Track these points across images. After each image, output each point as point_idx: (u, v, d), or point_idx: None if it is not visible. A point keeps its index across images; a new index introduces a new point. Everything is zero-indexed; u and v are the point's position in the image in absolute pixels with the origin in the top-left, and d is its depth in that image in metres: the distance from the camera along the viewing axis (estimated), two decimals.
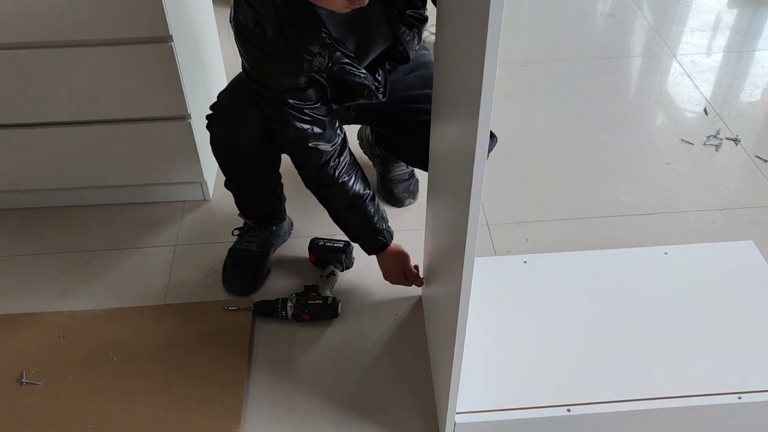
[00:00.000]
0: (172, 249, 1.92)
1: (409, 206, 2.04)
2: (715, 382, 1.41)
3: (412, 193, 2.05)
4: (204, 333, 1.68)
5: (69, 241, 1.94)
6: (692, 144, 2.26)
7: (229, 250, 1.82)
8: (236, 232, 1.84)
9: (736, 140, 2.24)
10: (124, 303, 1.76)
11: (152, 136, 1.86)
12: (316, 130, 1.44)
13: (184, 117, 1.82)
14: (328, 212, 1.60)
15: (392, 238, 1.64)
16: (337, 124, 1.48)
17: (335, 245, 1.81)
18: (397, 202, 2.03)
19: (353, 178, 1.52)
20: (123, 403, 1.53)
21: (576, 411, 1.37)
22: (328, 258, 1.80)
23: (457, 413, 1.33)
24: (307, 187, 1.56)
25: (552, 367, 1.45)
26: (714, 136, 2.26)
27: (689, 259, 1.68)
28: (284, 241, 1.91)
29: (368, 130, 2.05)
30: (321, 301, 1.69)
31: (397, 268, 1.68)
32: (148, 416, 1.50)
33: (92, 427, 1.48)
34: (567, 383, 1.42)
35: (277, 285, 1.81)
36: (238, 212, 1.81)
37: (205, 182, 2.01)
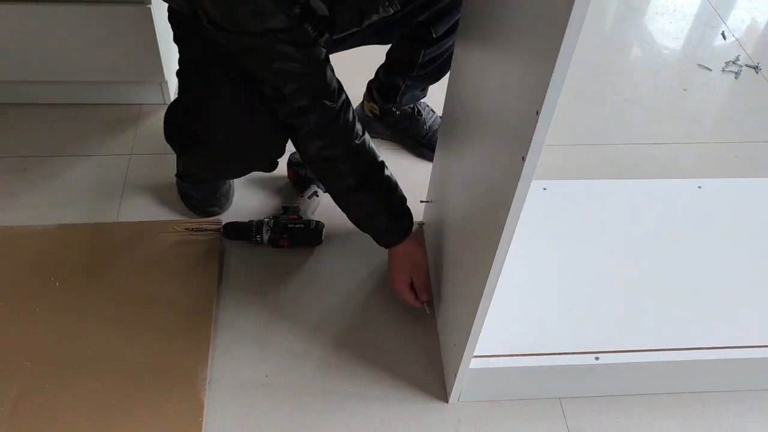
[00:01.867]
0: (127, 159, 1.64)
1: None
2: (757, 333, 1.24)
3: None
4: (164, 257, 1.43)
5: (3, 145, 1.65)
6: (710, 70, 2.06)
7: (179, 175, 1.55)
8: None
9: (756, 68, 2.05)
10: (68, 218, 1.50)
11: (105, 22, 1.55)
12: (316, 81, 1.11)
13: (143, 1, 1.52)
14: (334, 192, 1.27)
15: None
16: (333, 70, 1.14)
17: None
18: None
19: (366, 140, 1.21)
20: (66, 336, 1.28)
21: (605, 359, 1.19)
22: (310, 175, 1.56)
23: (474, 357, 1.13)
24: (306, 161, 1.24)
25: (577, 309, 1.25)
26: (733, 62, 2.06)
27: (726, 194, 1.49)
28: None
29: (369, 104, 1.70)
30: (302, 225, 1.46)
31: (412, 268, 1.34)
32: (95, 352, 1.27)
33: (29, 364, 1.24)
34: (594, 328, 1.23)
35: (251, 206, 1.56)
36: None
37: (166, 83, 1.72)
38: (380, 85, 1.63)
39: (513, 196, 0.86)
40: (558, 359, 1.18)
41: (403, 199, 1.29)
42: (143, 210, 1.53)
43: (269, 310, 1.37)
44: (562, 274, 1.31)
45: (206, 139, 1.18)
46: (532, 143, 0.77)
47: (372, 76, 1.66)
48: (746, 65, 2.06)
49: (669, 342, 1.22)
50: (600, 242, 1.37)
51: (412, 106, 1.67)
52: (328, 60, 1.12)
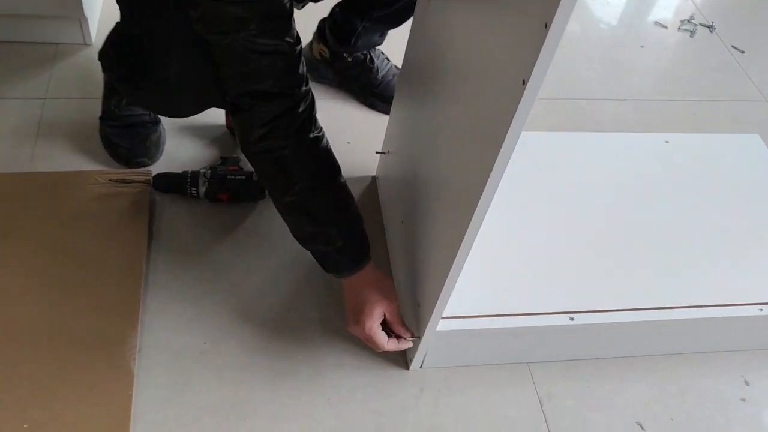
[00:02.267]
0: (41, 102, 1.44)
1: None
2: (731, 291, 1.18)
3: None
4: (86, 212, 1.26)
5: None
6: (666, 28, 1.99)
7: (104, 116, 1.37)
8: (108, 90, 1.38)
9: (711, 27, 2.00)
10: None
11: None
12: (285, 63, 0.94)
13: None
14: (278, 196, 1.04)
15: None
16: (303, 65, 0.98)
17: None
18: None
19: (324, 136, 1.03)
20: None
21: (580, 320, 1.09)
22: None
23: (443, 318, 1.02)
24: (247, 151, 1.02)
25: (549, 268, 1.16)
26: (688, 21, 2.00)
27: (693, 149, 1.41)
28: None
29: (319, 46, 1.53)
30: (243, 177, 1.31)
31: (383, 300, 1.06)
32: (9, 319, 1.10)
33: None
34: (568, 288, 1.13)
35: (184, 156, 1.40)
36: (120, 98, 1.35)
37: (86, 19, 1.53)
38: (334, 25, 1.47)
39: (507, 131, 0.74)
40: (532, 320, 1.08)
41: (361, 219, 1.07)
42: (60, 159, 1.35)
43: (207, 271, 1.22)
44: (531, 231, 1.21)
45: (158, 72, 1.02)
46: (539, 58, 0.65)
47: (327, 15, 1.51)
48: (701, 24, 2.00)
49: (644, 302, 1.14)
50: (571, 197, 1.27)
51: (365, 52, 1.53)
52: (299, 42, 0.96)
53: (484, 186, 0.81)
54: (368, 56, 1.53)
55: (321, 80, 1.57)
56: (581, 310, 1.11)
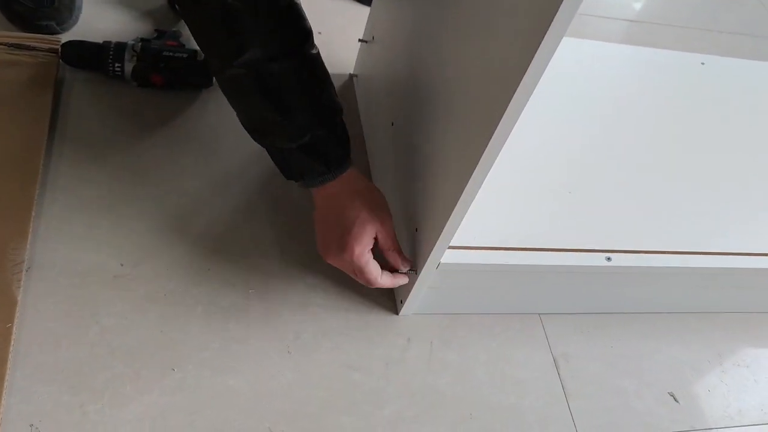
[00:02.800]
0: None
1: None
2: None
3: None
4: None
5: None
6: None
7: None
8: None
9: None
10: None
11: None
12: None
13: None
14: (220, 65, 0.72)
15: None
16: None
17: None
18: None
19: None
20: None
21: (618, 261, 0.84)
22: None
23: (450, 248, 0.75)
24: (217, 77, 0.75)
25: (581, 199, 0.90)
26: None
27: (731, 74, 1.18)
28: None
29: None
30: (185, 55, 1.00)
31: (371, 225, 0.75)
32: None
33: None
34: (603, 223, 0.88)
35: (108, 29, 1.07)
36: None
37: None
38: None
39: (551, 20, 0.49)
40: (561, 257, 0.82)
41: (340, 108, 0.77)
42: None
43: (127, 173, 0.92)
44: (559, 152, 0.95)
45: None
46: None
47: None
48: None
49: (689, 245, 0.90)
50: (605, 115, 1.02)
51: None
52: None
53: (515, 90, 0.56)
54: None
55: None
56: (620, 249, 0.86)
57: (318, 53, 0.75)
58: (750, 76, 1.20)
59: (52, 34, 1.02)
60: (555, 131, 0.97)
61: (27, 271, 0.79)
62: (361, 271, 0.76)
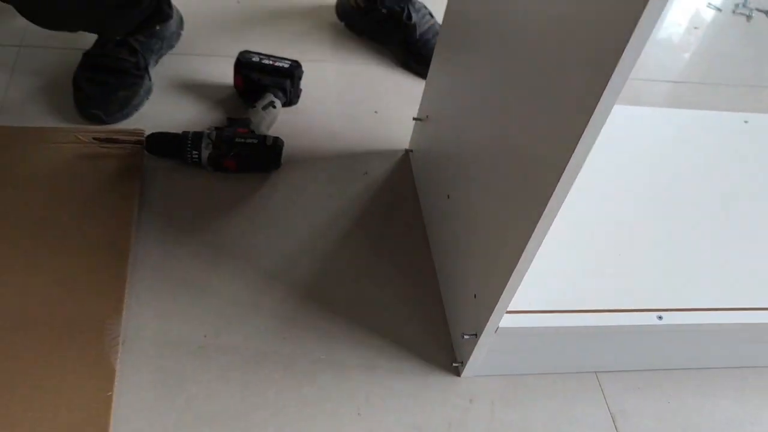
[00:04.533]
0: (15, 51, 1.23)
1: None
2: None
3: None
4: (65, 174, 1.04)
5: None
6: (720, 11, 1.81)
7: (85, 54, 1.17)
8: None
9: (767, 12, 1.82)
10: None
11: None
12: None
13: None
14: None
15: None
16: None
17: (278, 64, 1.20)
18: None
19: None
20: None
21: (669, 319, 0.88)
22: (265, 82, 1.19)
23: (507, 312, 0.81)
24: None
25: (631, 260, 0.95)
26: (743, 5, 1.82)
27: None
28: (170, 47, 1.28)
29: None
30: (255, 141, 1.10)
31: None
32: None
33: None
34: (654, 283, 0.93)
35: (181, 117, 1.18)
36: None
37: None
38: None
39: (601, 94, 0.56)
40: (614, 318, 0.87)
41: None
42: (34, 114, 1.13)
43: (207, 251, 1.01)
44: (609, 216, 1.00)
45: None
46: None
47: None
48: (756, 9, 1.82)
49: (740, 301, 0.93)
50: (653, 178, 1.07)
51: (402, 5, 1.33)
52: None
53: (568, 162, 0.63)
54: (406, 9, 1.33)
55: (356, 32, 1.40)
56: (671, 308, 0.90)
57: None
58: None
59: (100, 122, 1.13)
60: (602, 194, 1.03)
61: (122, 344, 0.88)
62: None
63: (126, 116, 1.15)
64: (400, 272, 1.03)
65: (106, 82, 1.13)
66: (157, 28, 1.20)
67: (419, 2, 1.38)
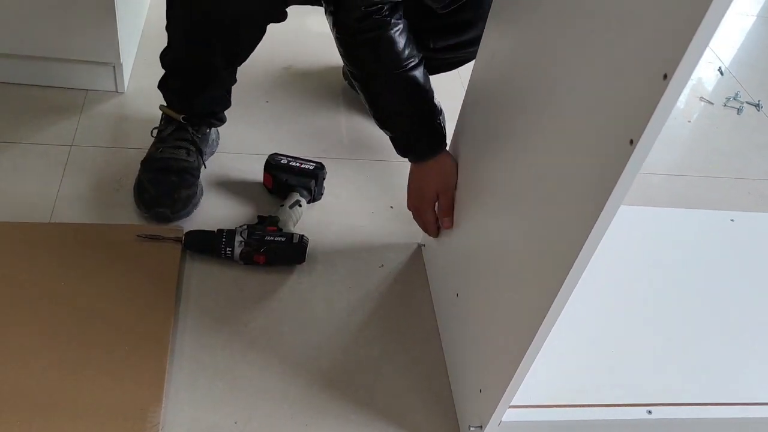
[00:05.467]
0: (66, 150, 1.36)
1: None
2: None
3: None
4: (109, 269, 1.15)
5: None
6: (712, 104, 1.93)
7: (144, 160, 1.29)
8: (155, 133, 1.31)
9: (757, 105, 1.94)
10: None
11: None
12: None
13: None
14: (365, 82, 1.11)
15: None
16: None
17: (304, 166, 1.32)
18: None
19: (405, 32, 1.06)
20: None
21: (658, 414, 0.98)
22: (292, 182, 1.31)
23: (511, 407, 0.90)
24: (340, 37, 1.09)
25: (623, 355, 1.05)
26: (734, 98, 1.95)
27: (760, 229, 1.32)
28: (212, 153, 1.40)
29: None
30: (283, 239, 1.21)
31: (437, 187, 1.12)
32: (14, 386, 0.97)
33: None
34: (645, 378, 1.02)
35: (216, 215, 1.30)
36: (165, 103, 1.29)
37: (121, 66, 1.46)
38: None
39: (607, 197, 0.65)
40: (605, 412, 0.96)
41: (441, 111, 1.13)
42: (84, 211, 1.25)
43: (239, 341, 1.11)
44: (600, 312, 1.10)
45: None
46: (654, 114, 0.56)
47: None
48: (747, 102, 1.95)
49: (726, 396, 1.02)
50: (641, 276, 1.17)
51: None
52: None
53: (573, 262, 0.72)
54: None
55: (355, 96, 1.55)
56: (661, 402, 0.99)
57: (426, 71, 1.10)
58: None
59: (167, 220, 1.24)
60: (595, 291, 1.12)
61: (162, 429, 0.97)
62: (420, 212, 1.17)
63: (188, 214, 1.26)
64: (413, 362, 1.12)
65: (170, 182, 1.25)
66: (208, 131, 1.33)
67: None
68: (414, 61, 1.07)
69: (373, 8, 1.02)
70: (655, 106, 0.58)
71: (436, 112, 1.11)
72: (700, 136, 1.82)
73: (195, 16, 1.13)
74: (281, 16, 1.14)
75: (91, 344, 1.04)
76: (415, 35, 1.17)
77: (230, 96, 1.31)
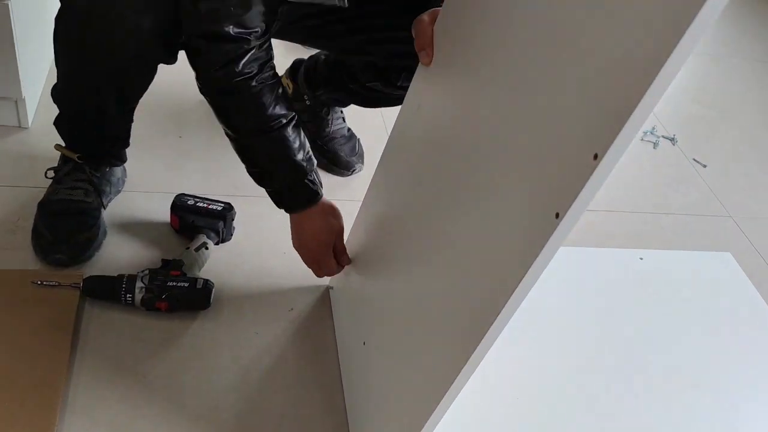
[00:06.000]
0: None
1: (357, 174, 1.58)
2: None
3: (360, 156, 1.58)
4: (2, 316, 1.10)
5: None
6: None
7: (41, 203, 1.24)
8: (51, 174, 1.26)
9: (672, 140, 1.99)
10: None
11: None
12: (238, 10, 0.94)
13: None
14: (232, 139, 1.06)
15: (322, 189, 1.11)
16: (265, 16, 0.97)
17: (212, 207, 1.29)
18: (346, 169, 1.56)
19: (272, 91, 1.01)
20: None
21: None
22: (199, 223, 1.28)
23: None
24: (203, 92, 1.05)
25: (524, 405, 1.04)
26: (650, 132, 1.99)
27: (668, 267, 1.35)
28: (117, 192, 1.35)
29: (286, 80, 1.53)
30: (186, 284, 1.17)
31: (326, 238, 1.12)
32: None
33: None
34: (548, 423, 1.02)
35: (119, 257, 1.26)
36: (63, 143, 1.25)
37: (23, 100, 1.40)
38: (314, 68, 1.47)
39: (530, 264, 0.65)
40: None
41: (314, 162, 1.09)
42: None
43: (139, 393, 1.07)
44: (507, 359, 1.10)
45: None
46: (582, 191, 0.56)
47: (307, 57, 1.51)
48: (663, 136, 1.99)
49: None
50: (545, 320, 1.18)
51: (327, 108, 1.51)
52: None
53: (494, 319, 0.71)
54: (326, 108, 1.51)
55: None
56: None
57: (302, 131, 1.06)
58: (686, 266, 1.37)
59: (63, 266, 1.19)
60: None
61: None
62: (321, 262, 1.15)
63: (89, 258, 1.21)
64: (317, 413, 1.10)
65: (67, 225, 1.20)
66: (108, 170, 1.28)
67: (341, 116, 1.56)
68: (282, 121, 1.02)
69: (236, 65, 0.97)
70: (584, 184, 0.59)
71: (306, 170, 1.06)
72: (616, 169, 1.85)
73: (79, 59, 1.09)
74: (170, 60, 1.10)
75: None
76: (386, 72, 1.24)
77: (129, 135, 1.26)
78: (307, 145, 1.07)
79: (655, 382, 1.12)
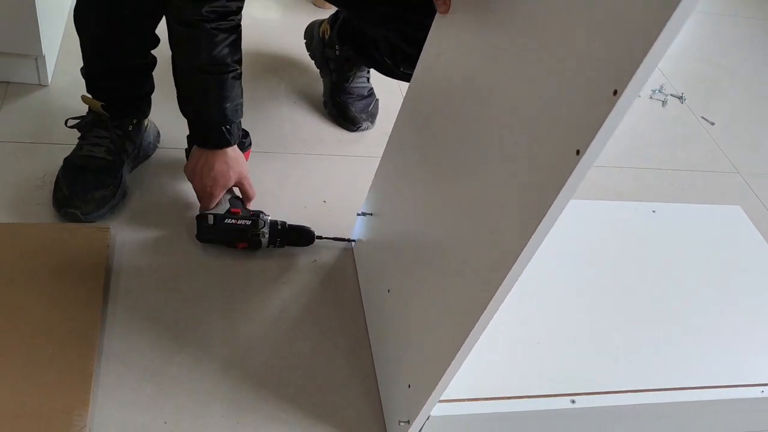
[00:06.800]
0: None
1: (365, 131, 1.60)
2: (734, 372, 1.12)
3: (371, 116, 1.60)
4: (33, 268, 1.12)
5: None
6: (639, 96, 1.99)
7: (66, 158, 1.25)
8: (71, 123, 1.26)
9: (681, 98, 2.01)
10: None
11: None
12: None
13: None
14: (176, 68, 1.16)
15: (237, 142, 1.22)
16: None
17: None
18: (352, 123, 1.57)
19: (226, 39, 1.10)
20: None
21: (582, 402, 1.01)
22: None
23: (440, 402, 0.92)
24: (168, 19, 1.13)
25: (544, 346, 1.08)
26: (659, 91, 2.01)
27: (680, 219, 1.37)
28: (146, 157, 1.37)
29: (326, 25, 1.57)
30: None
31: (222, 179, 1.21)
32: None
33: None
34: (568, 368, 1.05)
35: (142, 212, 1.28)
36: (86, 91, 1.27)
37: (44, 58, 1.41)
38: (348, 23, 1.51)
39: (548, 208, 0.67)
40: (530, 403, 0.99)
41: (240, 115, 1.20)
42: (3, 209, 1.21)
43: (168, 341, 1.10)
44: (520, 306, 1.13)
45: None
46: (602, 128, 0.58)
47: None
48: (671, 95, 2.01)
49: (649, 382, 1.06)
50: (561, 269, 1.20)
51: (352, 65, 1.54)
52: None
53: (516, 258, 0.73)
54: (350, 63, 1.54)
55: (311, 56, 1.64)
56: (584, 392, 1.02)
57: (240, 86, 1.16)
58: (697, 218, 1.39)
59: (76, 220, 1.20)
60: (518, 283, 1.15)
61: None
62: (212, 195, 1.21)
63: (101, 217, 1.23)
64: (344, 359, 1.13)
65: (85, 181, 1.21)
66: (132, 125, 1.28)
67: (366, 75, 1.58)
68: (224, 69, 1.11)
69: (205, 4, 1.05)
70: (603, 121, 0.61)
71: (227, 120, 1.16)
72: (625, 127, 1.87)
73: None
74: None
75: (10, 347, 1.02)
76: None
77: (150, 80, 1.29)
78: (239, 99, 1.17)
79: (667, 329, 1.15)
